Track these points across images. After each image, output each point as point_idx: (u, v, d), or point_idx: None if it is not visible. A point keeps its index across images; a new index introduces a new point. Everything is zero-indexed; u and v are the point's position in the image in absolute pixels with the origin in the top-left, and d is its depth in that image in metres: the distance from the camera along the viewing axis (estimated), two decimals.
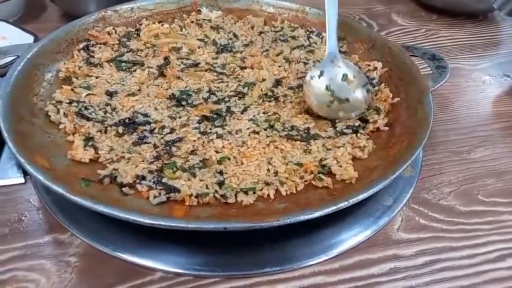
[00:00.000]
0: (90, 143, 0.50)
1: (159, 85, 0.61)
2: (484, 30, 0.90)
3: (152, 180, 0.46)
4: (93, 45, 0.65)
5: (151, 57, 0.65)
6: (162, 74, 0.62)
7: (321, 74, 0.58)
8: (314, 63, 0.66)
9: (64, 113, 0.53)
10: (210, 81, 0.62)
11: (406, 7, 0.97)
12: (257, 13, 0.75)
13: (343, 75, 0.58)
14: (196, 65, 0.65)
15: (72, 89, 0.58)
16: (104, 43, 0.66)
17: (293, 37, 0.71)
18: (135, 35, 0.69)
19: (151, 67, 0.63)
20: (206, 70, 0.64)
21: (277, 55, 0.68)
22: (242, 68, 0.65)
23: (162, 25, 0.71)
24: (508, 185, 0.57)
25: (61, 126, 0.52)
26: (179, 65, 0.64)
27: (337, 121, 0.56)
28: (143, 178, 0.46)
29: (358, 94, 0.57)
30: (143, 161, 0.49)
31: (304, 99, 0.58)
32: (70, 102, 0.55)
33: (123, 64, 0.63)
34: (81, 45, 0.64)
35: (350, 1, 0.99)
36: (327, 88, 0.57)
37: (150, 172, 0.47)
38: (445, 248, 0.49)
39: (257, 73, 0.63)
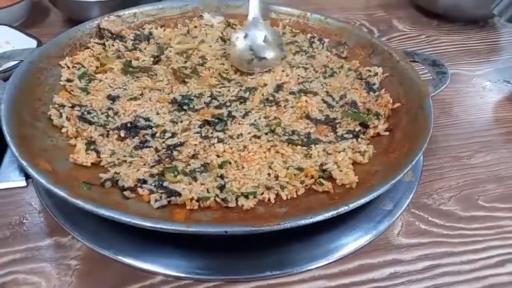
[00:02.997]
0: (92, 147, 0.50)
1: (161, 90, 0.61)
2: (484, 36, 0.90)
3: (153, 184, 0.46)
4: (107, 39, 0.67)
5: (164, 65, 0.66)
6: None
7: (246, 36, 0.67)
8: (313, 68, 0.67)
9: (67, 117, 0.53)
10: (212, 86, 0.62)
11: (406, 13, 0.98)
12: None
13: (264, 37, 0.67)
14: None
15: (70, 92, 0.58)
16: (120, 35, 0.68)
17: (294, 42, 0.72)
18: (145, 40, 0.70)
19: (155, 74, 0.63)
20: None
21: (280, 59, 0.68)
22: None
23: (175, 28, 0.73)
24: (509, 190, 0.57)
25: (63, 130, 0.52)
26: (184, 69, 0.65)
27: (337, 126, 0.57)
28: (144, 181, 0.47)
29: (274, 53, 0.67)
30: (144, 165, 0.49)
31: (230, 58, 0.67)
32: (73, 106, 0.55)
33: (131, 68, 0.64)
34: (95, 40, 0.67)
35: (351, 7, 1.00)
36: (250, 48, 0.66)
37: (152, 175, 0.47)
38: (445, 253, 0.49)
39: (259, 78, 0.64)
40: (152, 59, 0.66)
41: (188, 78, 0.63)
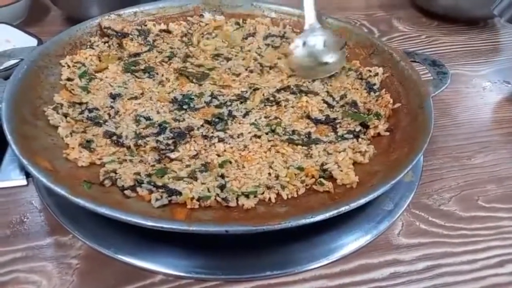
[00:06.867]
0: (91, 146, 0.50)
1: (159, 91, 0.61)
2: (485, 37, 0.90)
3: (152, 183, 0.46)
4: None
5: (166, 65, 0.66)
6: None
7: (304, 44, 0.66)
8: None
9: (65, 115, 0.53)
10: (215, 85, 0.62)
11: (407, 13, 0.98)
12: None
13: (324, 42, 0.66)
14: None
15: (70, 91, 0.58)
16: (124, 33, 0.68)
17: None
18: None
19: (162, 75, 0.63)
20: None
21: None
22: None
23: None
24: (509, 191, 0.57)
25: (58, 131, 0.52)
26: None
27: (338, 126, 0.57)
28: (142, 181, 0.46)
29: (336, 57, 0.65)
30: (144, 163, 0.49)
31: (289, 66, 0.65)
32: (73, 105, 0.55)
33: (132, 67, 0.64)
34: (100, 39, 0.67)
35: (351, 7, 1.00)
36: (310, 54, 0.65)
37: (148, 175, 0.47)
38: (446, 253, 0.49)
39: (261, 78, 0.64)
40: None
41: (195, 77, 0.63)
